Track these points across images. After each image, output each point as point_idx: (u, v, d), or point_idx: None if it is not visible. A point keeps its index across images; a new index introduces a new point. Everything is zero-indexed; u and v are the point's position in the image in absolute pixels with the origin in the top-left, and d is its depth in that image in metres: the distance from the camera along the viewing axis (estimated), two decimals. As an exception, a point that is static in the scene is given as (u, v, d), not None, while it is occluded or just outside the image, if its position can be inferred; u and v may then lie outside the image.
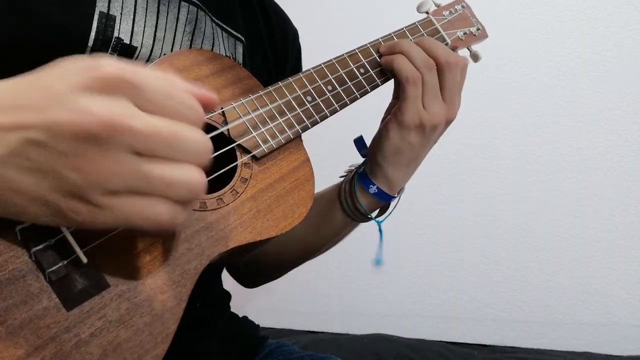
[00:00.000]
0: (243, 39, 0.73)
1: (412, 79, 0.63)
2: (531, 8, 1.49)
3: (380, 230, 0.74)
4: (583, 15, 1.45)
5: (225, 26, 0.70)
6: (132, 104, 0.34)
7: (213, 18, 0.68)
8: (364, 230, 0.77)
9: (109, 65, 0.34)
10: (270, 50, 0.78)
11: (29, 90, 0.35)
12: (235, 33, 0.72)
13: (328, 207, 0.73)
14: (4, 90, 0.35)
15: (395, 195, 0.72)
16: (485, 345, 1.47)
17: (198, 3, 0.65)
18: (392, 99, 0.74)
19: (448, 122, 0.68)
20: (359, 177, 0.70)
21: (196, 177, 0.36)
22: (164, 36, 0.60)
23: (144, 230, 0.36)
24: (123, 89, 0.34)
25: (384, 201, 0.71)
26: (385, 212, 0.74)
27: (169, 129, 0.35)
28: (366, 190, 0.70)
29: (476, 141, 1.52)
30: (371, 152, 0.70)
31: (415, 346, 1.32)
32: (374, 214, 0.73)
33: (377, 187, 0.69)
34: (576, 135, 1.45)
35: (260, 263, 0.79)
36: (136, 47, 0.57)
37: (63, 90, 0.33)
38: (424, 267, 1.56)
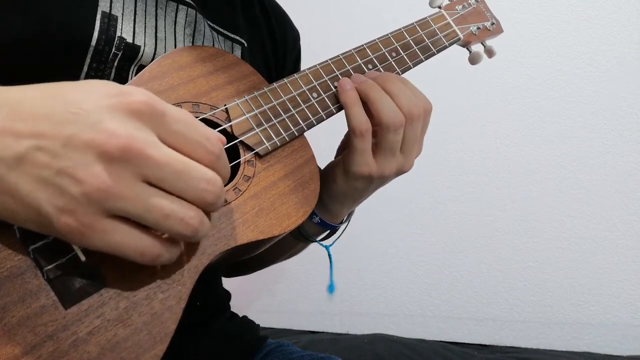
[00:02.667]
0: (243, 41, 0.72)
1: (360, 131, 0.57)
2: (531, 8, 1.49)
3: (329, 255, 0.72)
4: (583, 15, 1.45)
5: (221, 30, 0.70)
6: (155, 133, 0.36)
7: (208, 22, 0.68)
8: (366, 229, 0.76)
9: (139, 93, 0.36)
10: (271, 53, 0.78)
11: (53, 103, 0.35)
12: (232, 36, 0.71)
13: None
14: (25, 98, 0.36)
15: (337, 225, 0.69)
16: (485, 345, 1.47)
17: (194, 5, 0.65)
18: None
19: (399, 173, 0.62)
20: None
21: (193, 216, 0.37)
22: (165, 37, 0.60)
23: (128, 259, 0.37)
24: (149, 117, 0.36)
25: (328, 229, 0.69)
26: (335, 233, 0.71)
27: (182, 163, 0.36)
28: (310, 219, 0.67)
29: (476, 141, 1.52)
30: None
31: (415, 346, 1.32)
32: (326, 236, 0.71)
33: (320, 219, 0.67)
34: (576, 135, 1.44)
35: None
36: (140, 46, 0.57)
37: (90, 109, 0.34)
38: (424, 267, 1.55)
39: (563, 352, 1.37)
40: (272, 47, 0.79)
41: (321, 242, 0.70)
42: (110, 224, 0.35)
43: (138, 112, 0.35)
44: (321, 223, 0.67)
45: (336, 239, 0.71)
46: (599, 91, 1.43)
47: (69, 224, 0.34)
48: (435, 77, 1.51)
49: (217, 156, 0.39)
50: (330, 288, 0.73)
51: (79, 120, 0.34)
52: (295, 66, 0.85)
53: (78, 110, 0.34)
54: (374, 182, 0.61)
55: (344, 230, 0.71)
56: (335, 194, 0.64)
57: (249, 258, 0.79)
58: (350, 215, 0.70)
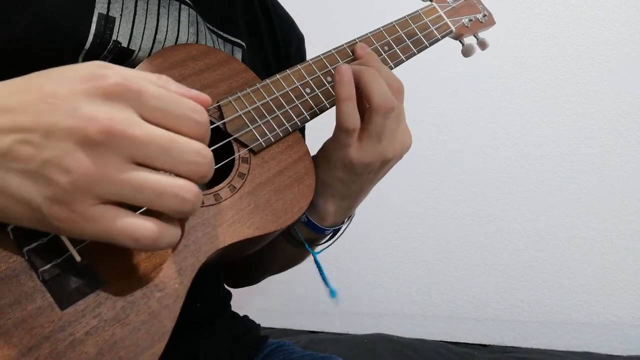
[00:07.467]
0: (243, 44, 0.72)
1: (347, 129, 0.56)
2: (531, 8, 1.48)
3: (315, 261, 0.68)
4: (583, 15, 1.45)
5: (220, 33, 0.70)
6: (134, 112, 0.35)
7: (207, 25, 0.67)
8: (366, 229, 0.75)
9: (113, 74, 0.35)
10: (272, 57, 0.77)
11: (27, 95, 0.35)
12: (232, 39, 0.71)
13: None
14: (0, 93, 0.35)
15: (325, 229, 0.65)
16: (485, 345, 1.47)
17: (194, 7, 0.65)
18: None
19: (385, 162, 0.59)
20: None
21: (188, 189, 0.36)
22: (165, 38, 0.59)
23: (125, 246, 0.36)
24: (126, 98, 0.35)
25: (316, 232, 0.65)
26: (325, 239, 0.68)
27: (168, 138, 0.35)
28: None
29: (476, 141, 1.52)
30: None
31: (415, 346, 1.32)
32: (319, 243, 0.68)
33: (307, 217, 0.64)
34: (576, 135, 1.44)
35: (243, 267, 0.81)
36: (133, 51, 0.56)
37: (64, 95, 0.34)
38: (424, 267, 1.55)
39: (563, 352, 1.37)
40: (273, 52, 0.77)
41: (310, 249, 0.67)
42: (102, 210, 0.34)
43: (114, 93, 0.34)
44: (308, 223, 0.64)
45: (324, 248, 0.68)
46: (599, 91, 1.43)
47: (59, 213, 0.33)
48: (435, 78, 1.52)
49: (207, 127, 0.38)
50: (332, 293, 0.70)
51: (56, 110, 0.33)
52: None
53: (54, 99, 0.34)
54: (356, 172, 0.59)
55: (334, 239, 0.68)
56: (318, 185, 0.60)
57: (250, 265, 0.78)
58: (349, 219, 0.67)
